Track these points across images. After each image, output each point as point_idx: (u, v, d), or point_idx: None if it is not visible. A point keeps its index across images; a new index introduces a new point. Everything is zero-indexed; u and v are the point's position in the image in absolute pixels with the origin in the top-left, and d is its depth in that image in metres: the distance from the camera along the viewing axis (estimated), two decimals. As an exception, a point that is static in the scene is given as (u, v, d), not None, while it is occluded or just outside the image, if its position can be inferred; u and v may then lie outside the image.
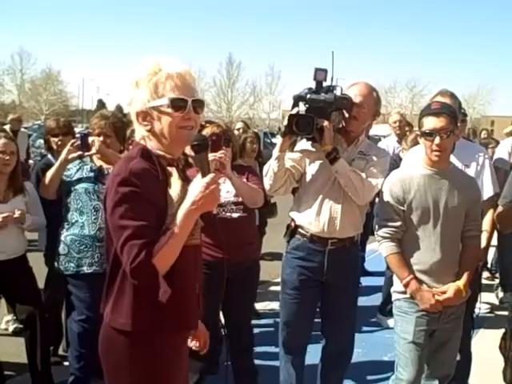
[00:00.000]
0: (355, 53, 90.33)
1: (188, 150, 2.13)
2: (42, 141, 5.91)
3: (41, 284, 4.06)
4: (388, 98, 54.30)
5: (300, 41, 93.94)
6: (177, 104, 1.94)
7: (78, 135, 3.71)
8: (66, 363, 4.08)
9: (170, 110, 1.94)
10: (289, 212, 3.32)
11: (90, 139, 3.59)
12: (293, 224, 3.26)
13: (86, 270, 3.52)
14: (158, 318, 1.95)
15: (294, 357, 3.32)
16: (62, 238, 3.60)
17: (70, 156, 3.60)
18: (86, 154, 3.60)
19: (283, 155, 3.11)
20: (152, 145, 2.00)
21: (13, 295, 3.79)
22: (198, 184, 1.89)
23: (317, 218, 3.13)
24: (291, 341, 3.30)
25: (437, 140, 2.84)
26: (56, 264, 3.64)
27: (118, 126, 3.75)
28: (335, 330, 3.28)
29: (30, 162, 8.36)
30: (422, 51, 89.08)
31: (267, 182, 3.16)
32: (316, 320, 3.34)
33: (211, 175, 1.90)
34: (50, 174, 3.66)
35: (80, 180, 3.61)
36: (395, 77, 71.45)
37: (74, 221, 3.58)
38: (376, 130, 13.55)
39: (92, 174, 3.61)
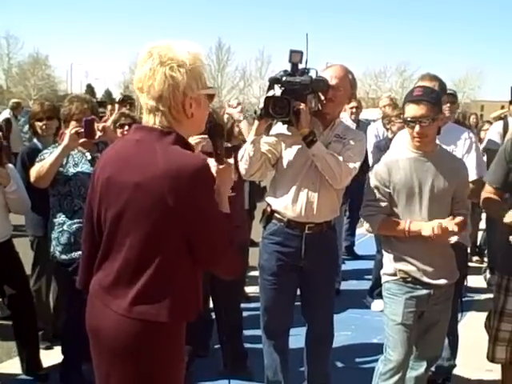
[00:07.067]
0: (345, 38, 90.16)
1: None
2: (30, 125, 5.84)
3: (27, 269, 4.01)
4: (378, 83, 54.25)
5: (290, 25, 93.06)
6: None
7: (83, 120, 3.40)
8: (56, 348, 4.08)
9: (207, 99, 1.96)
10: (264, 197, 3.28)
11: (101, 125, 3.42)
12: (269, 209, 3.20)
13: None
14: (195, 303, 1.97)
15: (276, 341, 3.30)
16: (65, 227, 3.45)
17: (78, 141, 3.37)
18: (92, 140, 3.41)
19: (259, 139, 3.04)
20: (180, 132, 1.91)
21: (0, 280, 3.75)
22: (224, 169, 1.99)
23: (294, 202, 3.07)
24: (272, 326, 3.28)
25: (416, 128, 2.81)
26: (58, 254, 3.48)
27: (95, 111, 3.65)
28: (314, 314, 3.27)
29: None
30: (412, 36, 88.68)
31: (242, 167, 3.07)
32: (298, 303, 3.33)
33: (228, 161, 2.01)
34: (48, 162, 3.37)
35: (76, 166, 3.47)
36: (385, 62, 71.37)
37: (76, 208, 3.43)
38: (366, 114, 13.57)
39: (88, 161, 3.48)
